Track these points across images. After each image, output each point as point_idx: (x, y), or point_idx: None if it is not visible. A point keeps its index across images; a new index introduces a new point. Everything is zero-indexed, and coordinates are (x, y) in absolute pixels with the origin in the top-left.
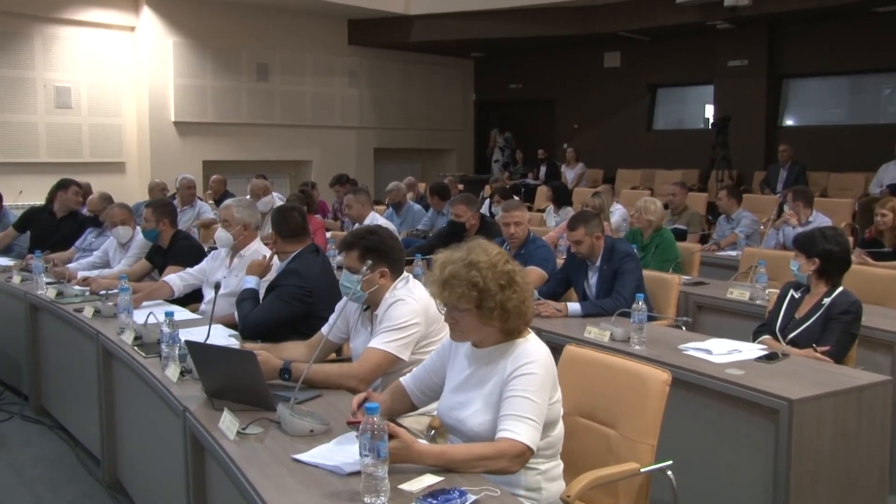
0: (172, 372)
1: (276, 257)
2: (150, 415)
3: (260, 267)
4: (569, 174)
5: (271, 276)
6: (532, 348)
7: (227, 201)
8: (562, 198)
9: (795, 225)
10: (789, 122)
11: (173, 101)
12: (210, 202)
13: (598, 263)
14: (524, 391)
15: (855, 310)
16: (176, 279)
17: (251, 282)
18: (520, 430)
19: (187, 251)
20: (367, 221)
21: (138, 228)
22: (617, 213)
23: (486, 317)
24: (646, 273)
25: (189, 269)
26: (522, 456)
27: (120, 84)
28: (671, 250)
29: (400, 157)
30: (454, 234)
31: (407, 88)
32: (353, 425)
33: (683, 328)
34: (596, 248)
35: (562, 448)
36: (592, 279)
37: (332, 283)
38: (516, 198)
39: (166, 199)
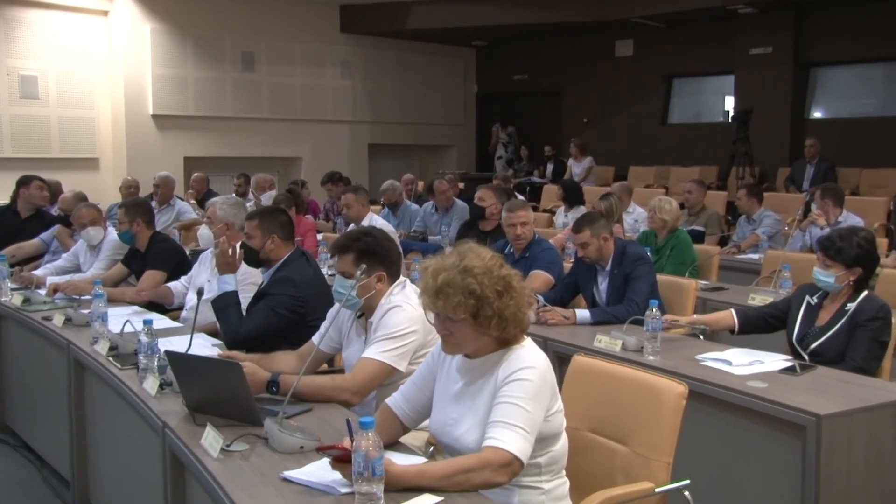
0: (151, 385)
1: (258, 263)
2: (125, 431)
3: (230, 259)
4: (575, 168)
5: (242, 277)
6: (527, 354)
7: (214, 199)
8: (573, 196)
9: (824, 226)
10: (817, 115)
11: (151, 93)
12: (192, 202)
13: (608, 268)
14: (515, 398)
15: (883, 315)
16: (179, 286)
17: (230, 282)
18: (506, 437)
19: (166, 254)
20: (364, 223)
21: (110, 229)
22: (633, 214)
23: (482, 326)
24: (660, 278)
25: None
26: (509, 466)
27: (92, 74)
28: (687, 253)
29: (396, 154)
30: (474, 218)
31: (404, 80)
32: (324, 451)
33: (701, 337)
34: (605, 251)
35: (568, 465)
36: (602, 284)
37: (324, 290)
38: (521, 197)
39: (141, 198)
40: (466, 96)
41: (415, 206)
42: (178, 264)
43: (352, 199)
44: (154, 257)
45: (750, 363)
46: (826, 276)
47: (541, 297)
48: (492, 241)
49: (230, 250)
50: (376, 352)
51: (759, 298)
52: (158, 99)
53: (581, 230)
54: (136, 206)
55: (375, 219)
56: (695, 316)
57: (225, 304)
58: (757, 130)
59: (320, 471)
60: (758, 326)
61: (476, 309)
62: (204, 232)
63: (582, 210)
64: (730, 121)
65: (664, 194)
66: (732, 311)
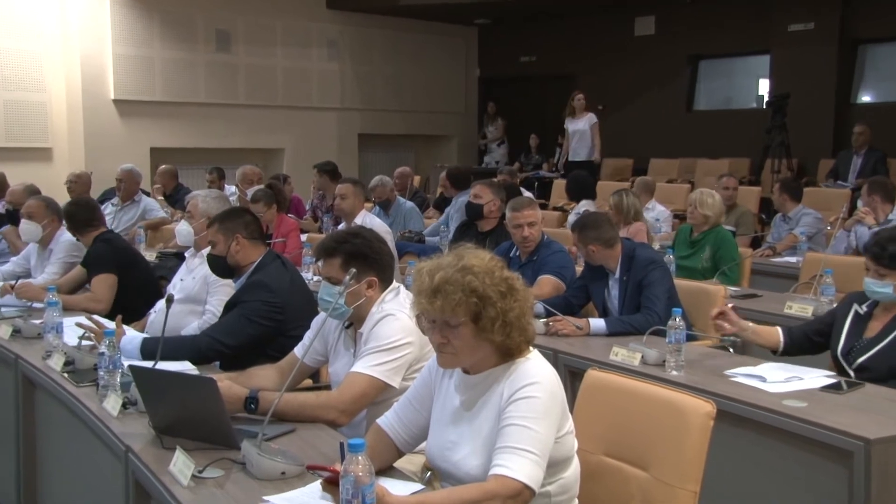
0: (112, 404)
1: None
2: (82, 457)
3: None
4: (572, 127)
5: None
6: (534, 368)
7: (196, 192)
8: (578, 189)
9: (872, 224)
10: (865, 99)
11: (112, 75)
12: (159, 198)
13: (616, 274)
14: (523, 419)
15: None
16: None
17: (131, 343)
18: (515, 464)
19: (101, 256)
20: (357, 220)
21: (62, 230)
22: (653, 212)
23: (484, 331)
24: (683, 283)
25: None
26: (519, 497)
27: (43, 52)
28: (732, 251)
29: (389, 145)
30: (471, 218)
31: (398, 62)
32: (315, 471)
33: (731, 350)
34: (606, 258)
35: (581, 493)
36: (613, 291)
37: (306, 297)
38: (529, 194)
39: (86, 198)
40: (467, 81)
41: (409, 204)
42: (119, 267)
43: (349, 191)
44: (92, 262)
45: (787, 379)
46: (882, 287)
47: (542, 306)
48: (491, 243)
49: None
50: (367, 366)
51: (797, 307)
52: (120, 82)
53: (573, 233)
54: (49, 204)
55: (369, 217)
56: (749, 323)
57: (166, 347)
58: (795, 117)
59: (304, 497)
60: (802, 347)
61: (478, 309)
62: (183, 227)
63: (590, 206)
64: (764, 107)
65: (690, 190)
66: (779, 329)
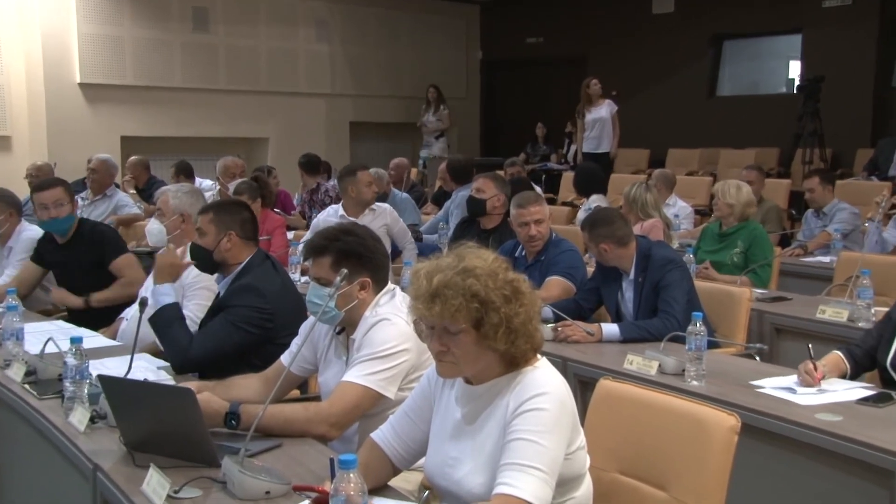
0: (79, 418)
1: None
2: (45, 476)
3: (173, 267)
4: (591, 116)
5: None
6: (542, 377)
7: (166, 187)
8: (588, 183)
9: None
10: None
11: (78, 57)
12: (131, 191)
13: (630, 276)
14: (529, 433)
15: None
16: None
17: (168, 293)
18: (521, 483)
19: (116, 239)
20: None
21: (26, 226)
22: (673, 208)
23: (487, 338)
24: (705, 285)
25: None
26: None
27: None
28: (765, 250)
29: (383, 134)
30: (473, 214)
31: (392, 44)
32: (302, 491)
33: (757, 358)
34: (619, 258)
35: None
36: (628, 293)
37: (296, 302)
38: (538, 189)
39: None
40: (469, 64)
41: (404, 196)
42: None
43: (369, 177)
44: (108, 245)
45: (819, 391)
46: None
47: (550, 310)
48: (495, 242)
49: (180, 252)
50: (360, 374)
51: (831, 311)
52: (87, 64)
53: (583, 231)
54: (4, 197)
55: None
56: (826, 368)
57: (166, 319)
58: (830, 103)
59: None
60: (864, 366)
61: (480, 315)
62: (154, 226)
63: (601, 201)
64: (795, 91)
65: (712, 182)
66: (840, 353)
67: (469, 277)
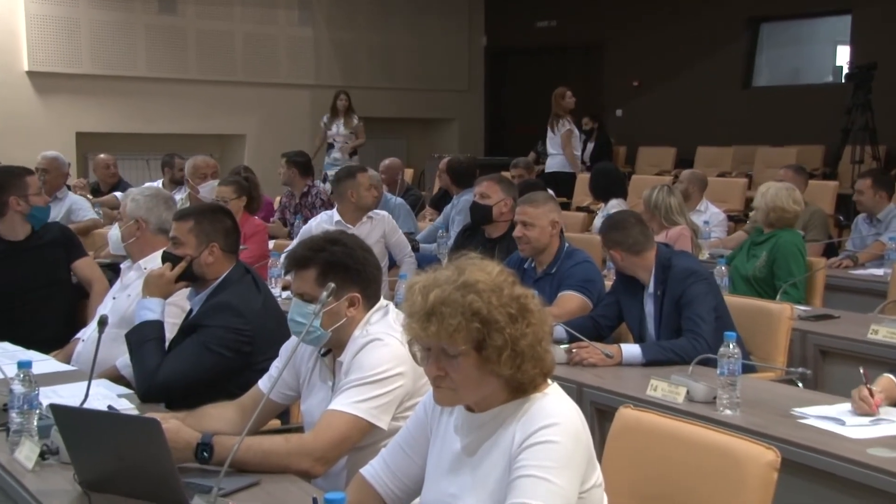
0: (27, 454)
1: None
2: None
3: (163, 281)
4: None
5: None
6: (552, 406)
7: (130, 189)
8: (606, 186)
9: None
10: None
11: (26, 42)
12: (88, 196)
13: (650, 288)
14: (539, 468)
15: None
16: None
17: (153, 309)
18: None
19: (74, 238)
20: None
21: None
22: (704, 214)
23: (489, 361)
24: (740, 301)
25: None
26: None
27: None
28: (790, 264)
29: (376, 131)
30: (477, 222)
31: (386, 28)
32: None
33: (800, 384)
34: (633, 266)
35: None
36: (648, 307)
37: (278, 323)
38: (551, 192)
39: None
40: (472, 52)
41: (397, 201)
42: None
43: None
44: (69, 247)
45: (872, 422)
46: None
47: (563, 329)
48: (501, 252)
49: (171, 269)
50: (348, 402)
51: (885, 331)
52: (37, 50)
53: (601, 235)
54: None
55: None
56: (882, 395)
57: (139, 338)
58: (883, 94)
59: None
60: None
61: (482, 336)
62: (115, 233)
63: (620, 205)
64: (843, 81)
65: (747, 186)
66: (890, 376)
67: (470, 293)
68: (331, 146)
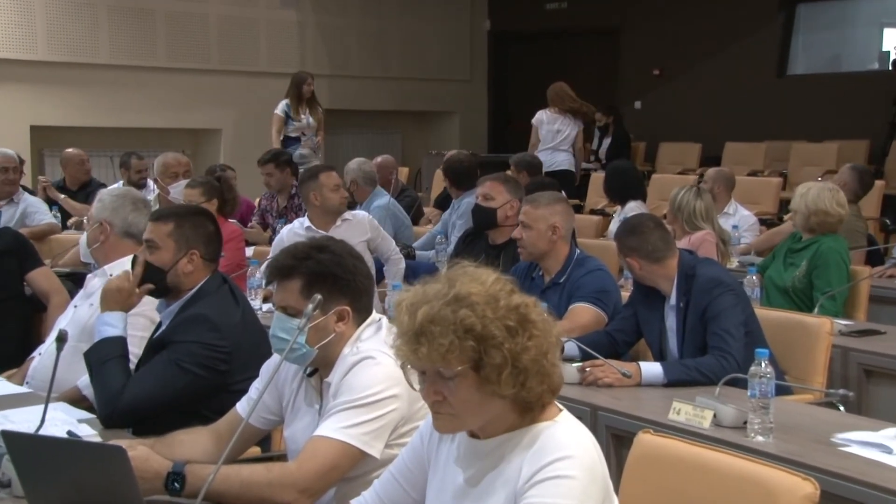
0: None
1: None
2: None
3: (123, 292)
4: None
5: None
6: (564, 436)
7: (102, 190)
8: (623, 187)
9: None
10: None
11: None
12: (39, 195)
13: (671, 300)
14: None
15: None
16: None
17: (113, 323)
18: None
19: (30, 247)
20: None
21: None
22: (733, 217)
23: (490, 382)
24: (773, 315)
25: None
26: None
27: None
28: (831, 275)
29: (367, 126)
30: (480, 226)
31: (378, 12)
32: None
33: (841, 408)
34: (652, 275)
35: None
36: (670, 321)
37: (260, 339)
38: (563, 193)
39: None
40: (474, 38)
41: (391, 202)
42: None
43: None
44: (23, 257)
45: None
46: None
47: (576, 346)
48: (507, 260)
49: (130, 280)
50: (337, 427)
51: None
52: None
53: (616, 243)
54: None
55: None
56: None
57: (101, 356)
58: None
59: None
60: None
61: (478, 355)
62: (80, 238)
63: (639, 207)
64: (890, 68)
65: (781, 186)
66: None
67: (462, 308)
68: (293, 141)
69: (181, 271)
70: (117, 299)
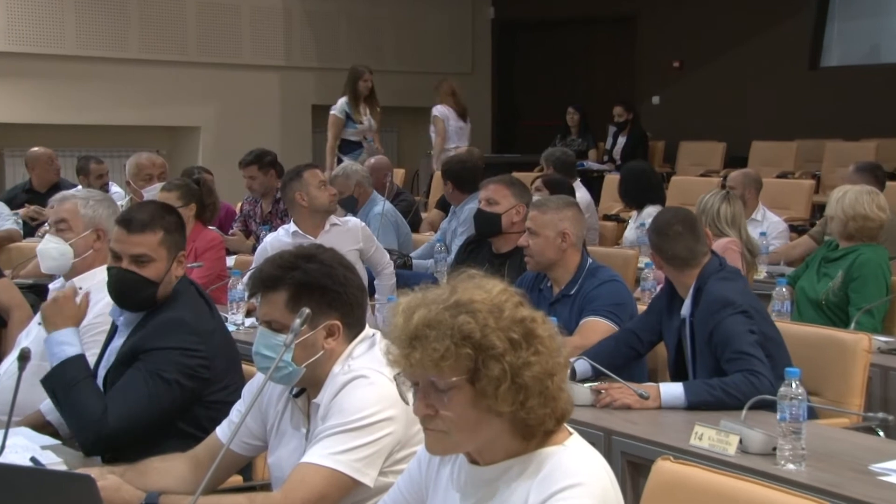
0: None
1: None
2: None
3: (70, 306)
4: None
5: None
6: (574, 462)
7: (67, 192)
8: (639, 190)
9: None
10: None
11: None
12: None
13: (685, 311)
14: None
15: None
16: None
17: (68, 340)
18: None
19: None
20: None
21: None
22: (762, 224)
23: (486, 396)
24: (802, 330)
25: None
26: None
27: None
28: (870, 287)
29: None
30: (482, 233)
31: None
32: None
33: (881, 433)
34: (673, 278)
35: None
36: (685, 332)
37: (231, 344)
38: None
39: None
40: (476, 27)
41: (387, 206)
42: None
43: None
44: None
45: None
46: None
47: (588, 364)
48: (512, 270)
49: (75, 294)
50: (326, 453)
51: None
52: None
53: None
54: None
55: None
56: None
57: (68, 381)
58: None
59: None
60: None
61: (475, 364)
62: (52, 246)
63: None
64: None
65: (814, 187)
66: None
67: (462, 314)
68: (354, 145)
69: (173, 277)
70: (65, 314)
